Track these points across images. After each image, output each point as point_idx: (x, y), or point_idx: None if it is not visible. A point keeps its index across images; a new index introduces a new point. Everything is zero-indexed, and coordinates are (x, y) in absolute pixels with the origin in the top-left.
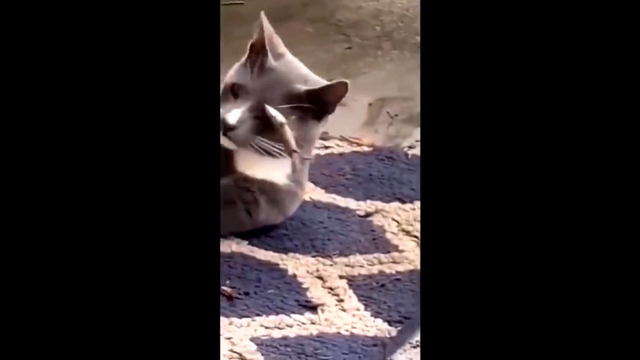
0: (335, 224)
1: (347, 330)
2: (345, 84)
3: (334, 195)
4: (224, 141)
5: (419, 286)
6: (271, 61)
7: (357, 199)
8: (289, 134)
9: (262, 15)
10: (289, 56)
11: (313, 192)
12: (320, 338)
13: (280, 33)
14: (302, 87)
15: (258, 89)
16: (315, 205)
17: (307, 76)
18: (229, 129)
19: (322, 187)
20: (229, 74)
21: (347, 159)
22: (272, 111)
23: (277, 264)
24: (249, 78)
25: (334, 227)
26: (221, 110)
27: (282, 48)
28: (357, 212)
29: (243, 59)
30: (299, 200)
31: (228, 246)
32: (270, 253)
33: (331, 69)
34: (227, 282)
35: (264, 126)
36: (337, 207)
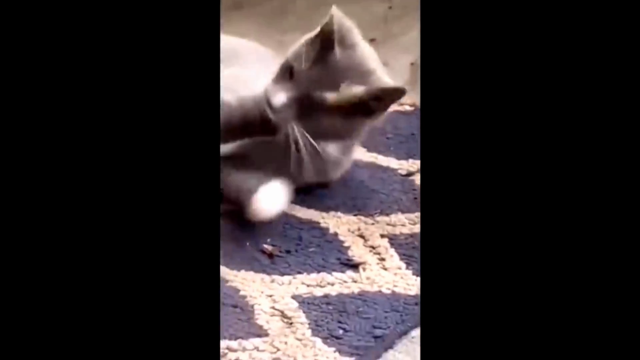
0: (377, 183)
1: (388, 289)
2: (404, 91)
3: (375, 155)
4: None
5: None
6: (335, 54)
7: (399, 158)
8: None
9: (334, 8)
10: (360, 48)
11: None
12: (362, 296)
13: None
14: (358, 87)
15: (311, 80)
16: (357, 164)
17: (371, 73)
18: (270, 108)
19: (364, 147)
20: (293, 50)
21: (388, 118)
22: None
23: (318, 222)
24: (306, 65)
25: (375, 186)
26: (271, 81)
27: (354, 39)
28: (399, 171)
29: (310, 37)
30: (347, 165)
31: None
32: (312, 211)
33: (372, 29)
34: (268, 240)
35: (304, 114)
36: (379, 166)
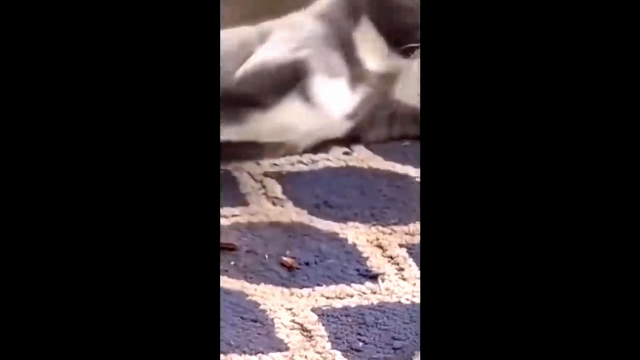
0: (394, 192)
1: (407, 300)
2: None
3: (392, 163)
4: None
5: None
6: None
7: (416, 166)
8: None
9: None
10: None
11: (371, 160)
12: (381, 307)
13: None
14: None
15: None
16: (374, 173)
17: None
18: None
19: (381, 155)
20: None
21: None
22: None
23: (337, 233)
24: None
25: (393, 195)
26: None
27: None
28: (416, 179)
29: None
30: None
31: (288, 216)
32: (330, 222)
33: None
34: (287, 252)
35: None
36: (396, 174)
